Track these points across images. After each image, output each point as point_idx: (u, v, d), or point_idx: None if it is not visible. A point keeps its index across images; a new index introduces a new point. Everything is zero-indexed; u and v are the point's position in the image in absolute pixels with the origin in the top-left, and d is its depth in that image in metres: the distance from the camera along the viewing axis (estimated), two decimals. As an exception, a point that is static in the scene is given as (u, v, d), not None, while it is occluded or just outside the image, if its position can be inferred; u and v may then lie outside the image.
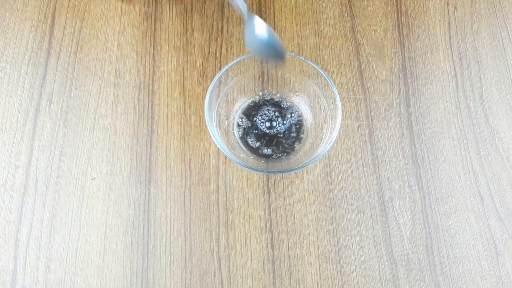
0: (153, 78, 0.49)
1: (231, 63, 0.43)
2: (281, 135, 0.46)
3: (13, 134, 0.47)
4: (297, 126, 0.47)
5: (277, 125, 0.47)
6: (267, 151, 0.46)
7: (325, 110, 0.45)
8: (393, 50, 0.51)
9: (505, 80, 0.49)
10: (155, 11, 0.52)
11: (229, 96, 0.46)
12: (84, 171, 0.46)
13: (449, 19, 0.52)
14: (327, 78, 0.42)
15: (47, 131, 0.47)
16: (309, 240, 0.43)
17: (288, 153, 0.46)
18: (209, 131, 0.41)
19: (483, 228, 0.44)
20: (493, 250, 0.43)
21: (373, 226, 0.44)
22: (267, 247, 0.43)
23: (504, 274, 0.42)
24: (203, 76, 0.49)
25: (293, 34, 0.51)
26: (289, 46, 0.51)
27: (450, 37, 0.51)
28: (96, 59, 0.50)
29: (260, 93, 0.48)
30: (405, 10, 0.53)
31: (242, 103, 0.48)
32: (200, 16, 0.52)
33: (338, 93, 0.41)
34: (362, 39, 0.51)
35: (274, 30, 0.51)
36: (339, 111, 0.41)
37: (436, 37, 0.51)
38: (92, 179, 0.45)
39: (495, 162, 0.46)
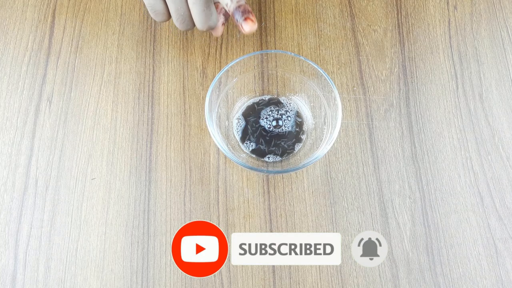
0: (153, 78, 0.49)
1: (231, 63, 0.43)
2: (281, 136, 0.46)
3: (13, 134, 0.47)
4: (297, 127, 0.47)
5: (278, 126, 0.47)
6: (267, 151, 0.46)
7: (325, 110, 0.45)
8: (393, 50, 0.51)
9: (505, 80, 0.49)
10: (155, 11, 0.52)
11: (229, 96, 0.46)
12: (84, 171, 0.46)
13: (449, 19, 0.52)
14: (327, 78, 0.42)
15: (47, 131, 0.47)
16: (309, 240, 0.43)
17: (288, 154, 0.46)
18: (209, 131, 0.41)
19: (483, 228, 0.44)
20: (493, 250, 0.43)
21: (373, 226, 0.44)
22: (267, 247, 0.43)
23: (504, 274, 0.42)
24: (203, 76, 0.49)
25: (293, 34, 0.51)
26: (289, 46, 0.51)
27: (450, 37, 0.51)
28: (96, 59, 0.50)
29: (260, 94, 0.48)
30: (405, 10, 0.53)
31: (242, 103, 0.48)
32: (200, 16, 0.52)
33: (338, 93, 0.41)
34: (362, 39, 0.51)
35: (274, 30, 0.51)
36: (339, 111, 0.41)
37: (436, 37, 0.51)
38: (92, 179, 0.45)
39: (495, 162, 0.46)
